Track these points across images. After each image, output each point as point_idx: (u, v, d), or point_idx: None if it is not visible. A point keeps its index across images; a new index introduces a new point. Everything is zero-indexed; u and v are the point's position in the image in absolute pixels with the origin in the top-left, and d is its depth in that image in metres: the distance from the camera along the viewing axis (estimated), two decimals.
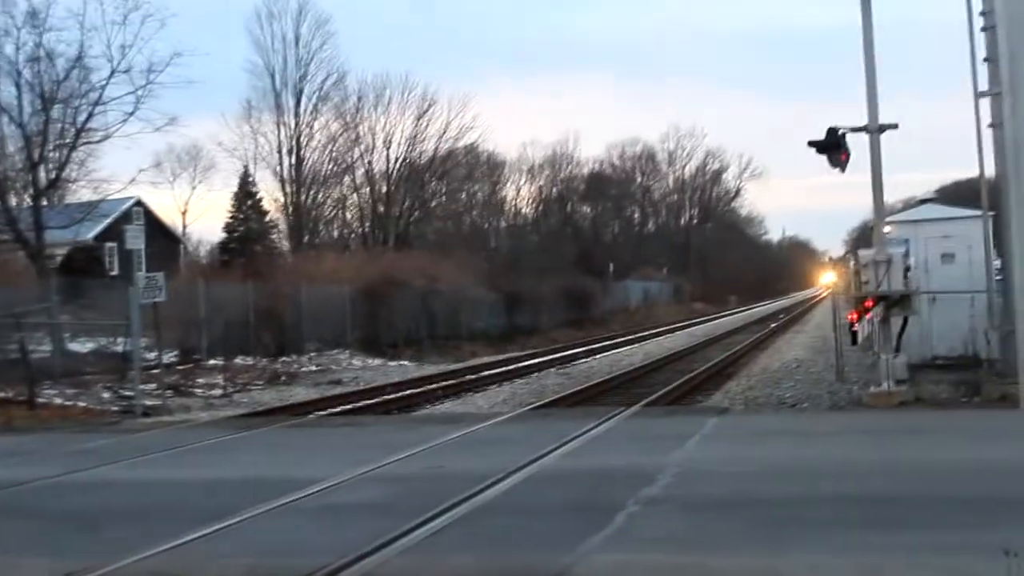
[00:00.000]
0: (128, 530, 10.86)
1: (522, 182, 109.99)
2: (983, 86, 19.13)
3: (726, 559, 8.93)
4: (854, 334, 20.47)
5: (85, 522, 11.41)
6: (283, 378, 34.22)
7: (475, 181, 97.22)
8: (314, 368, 38.43)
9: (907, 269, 20.79)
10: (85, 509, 12.21)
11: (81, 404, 25.87)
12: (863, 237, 74.97)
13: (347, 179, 76.55)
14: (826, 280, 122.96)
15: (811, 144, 20.30)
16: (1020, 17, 4.69)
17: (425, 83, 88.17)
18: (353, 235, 78.31)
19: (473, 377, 33.67)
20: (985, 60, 18.91)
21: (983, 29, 18.96)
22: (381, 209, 75.73)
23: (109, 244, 59.49)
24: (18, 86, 39.62)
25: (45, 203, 41.26)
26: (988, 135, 19.39)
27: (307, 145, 72.35)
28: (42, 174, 40.71)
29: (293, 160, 71.45)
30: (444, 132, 77.06)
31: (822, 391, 23.76)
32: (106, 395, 27.19)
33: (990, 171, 19.97)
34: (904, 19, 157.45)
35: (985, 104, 19.32)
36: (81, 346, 34.38)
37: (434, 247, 74.45)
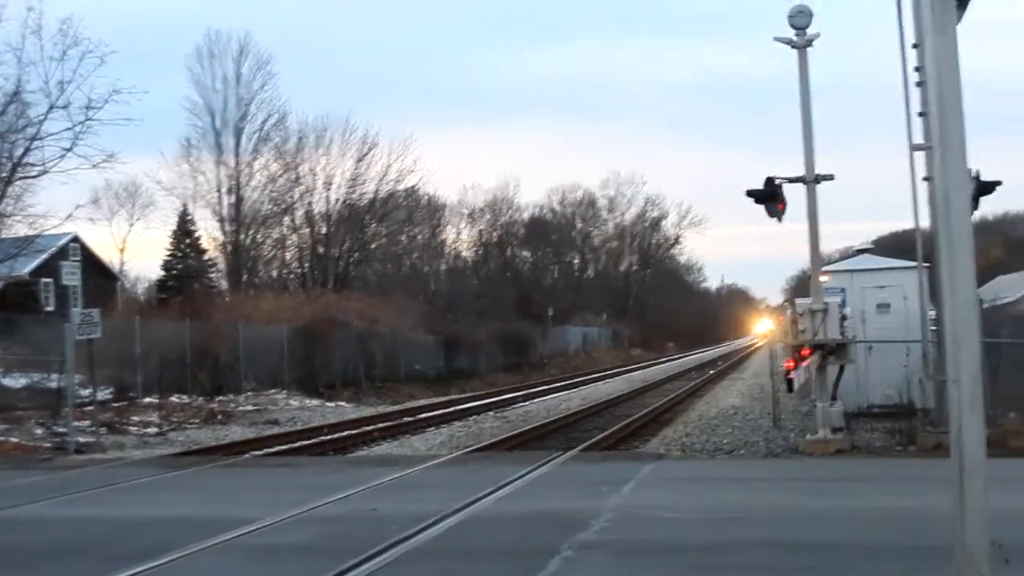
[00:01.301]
0: (59, 568, 10.76)
1: (462, 226, 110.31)
2: (918, 140, 19.44)
3: None
4: (790, 382, 20.59)
5: (15, 559, 11.28)
6: (219, 417, 33.95)
7: (415, 224, 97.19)
8: (251, 408, 38.18)
9: (843, 318, 21.00)
10: (15, 546, 12.06)
11: (13, 440, 25.55)
12: (801, 286, 75.59)
13: (287, 219, 76.26)
14: (762, 328, 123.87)
15: (749, 194, 20.49)
16: (948, 71, 4.80)
17: (366, 125, 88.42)
18: (292, 276, 78.01)
19: (410, 419, 33.56)
20: (920, 114, 19.21)
21: (917, 84, 19.27)
22: (321, 250, 75.49)
23: (45, 280, 58.85)
24: None
25: None
26: (923, 188, 19.71)
27: (247, 185, 72.06)
28: None
29: (232, 199, 71.11)
30: (385, 174, 77.03)
31: (759, 438, 23.85)
32: (39, 431, 26.88)
33: (925, 223, 20.30)
34: (846, 73, 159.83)
35: (920, 157, 19.63)
36: (14, 381, 34.00)
37: (373, 289, 74.36)
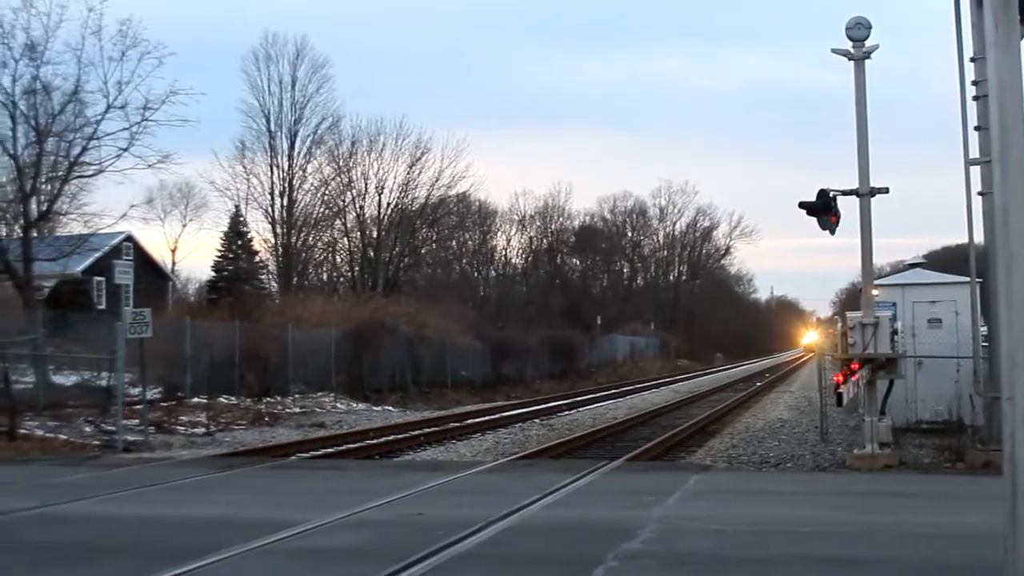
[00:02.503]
0: (101, 566, 10.81)
1: (513, 232, 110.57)
2: (974, 154, 19.26)
3: None
4: (839, 396, 20.43)
5: (58, 556, 11.35)
6: (266, 419, 34.09)
7: (466, 229, 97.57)
8: (298, 410, 38.31)
9: (894, 332, 20.81)
10: (59, 543, 12.13)
11: (62, 437, 25.76)
12: (851, 299, 75.20)
13: (338, 223, 76.77)
14: (808, 340, 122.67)
15: (802, 205, 20.33)
16: (1011, 85, 4.75)
17: (419, 130, 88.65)
18: (342, 279, 78.38)
19: (456, 425, 33.56)
20: (977, 128, 19.05)
21: (975, 98, 19.11)
22: (371, 254, 75.80)
23: (97, 278, 59.41)
24: (13, 118, 39.49)
25: (35, 235, 41.19)
26: (978, 202, 19.52)
27: (299, 187, 72.60)
28: (33, 206, 40.67)
29: (285, 202, 71.61)
30: (437, 180, 77.37)
31: (805, 451, 23.70)
32: (88, 429, 27.08)
33: (979, 238, 20.11)
34: (903, 87, 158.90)
35: (976, 172, 19.44)
36: (65, 379, 34.28)
37: (422, 294, 74.54)
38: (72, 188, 42.51)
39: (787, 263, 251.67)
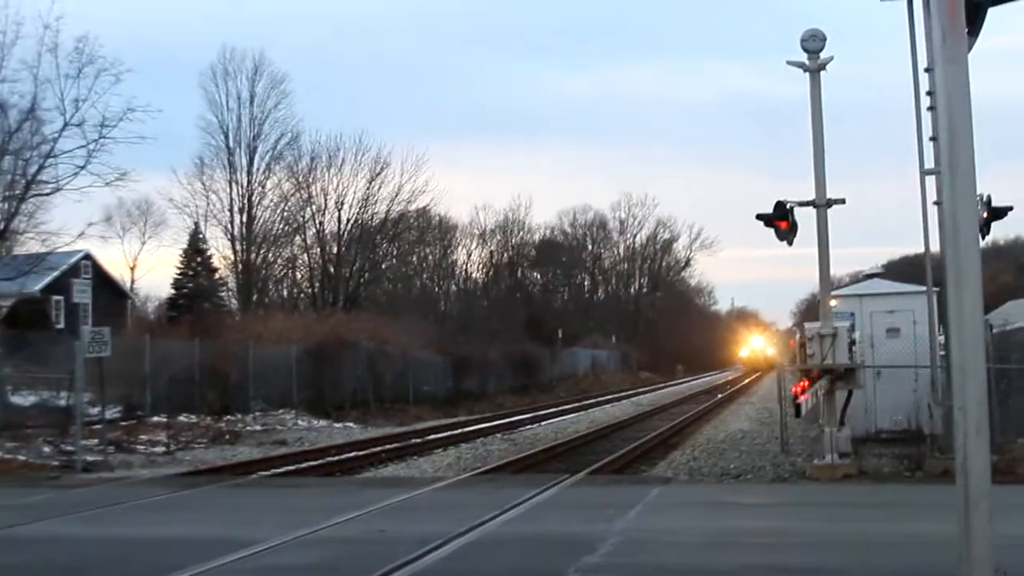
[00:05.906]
0: None
1: (473, 246, 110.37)
2: (930, 164, 19.40)
3: None
4: (797, 407, 20.50)
5: None
6: (227, 437, 33.92)
7: (426, 244, 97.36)
8: (259, 428, 38.12)
9: (852, 343, 20.93)
10: (19, 565, 12.04)
11: (21, 458, 25.54)
12: (810, 309, 75.51)
13: (298, 239, 76.42)
14: (752, 348, 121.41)
15: (759, 217, 20.43)
16: (959, 99, 4.81)
17: (379, 145, 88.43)
18: (302, 295, 78.03)
19: (418, 441, 33.50)
20: (931, 139, 19.18)
21: (929, 108, 19.26)
22: (331, 270, 75.52)
23: (56, 297, 58.94)
24: None
25: None
26: (934, 212, 19.66)
27: (259, 204, 72.22)
28: None
29: (244, 218, 71.26)
30: (397, 195, 77.08)
31: (766, 463, 23.78)
32: (47, 449, 26.87)
33: (937, 247, 20.24)
34: (860, 97, 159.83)
35: (931, 182, 19.59)
36: (23, 399, 33.98)
37: (383, 309, 74.28)
38: (29, 207, 42.11)
39: (748, 274, 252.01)
